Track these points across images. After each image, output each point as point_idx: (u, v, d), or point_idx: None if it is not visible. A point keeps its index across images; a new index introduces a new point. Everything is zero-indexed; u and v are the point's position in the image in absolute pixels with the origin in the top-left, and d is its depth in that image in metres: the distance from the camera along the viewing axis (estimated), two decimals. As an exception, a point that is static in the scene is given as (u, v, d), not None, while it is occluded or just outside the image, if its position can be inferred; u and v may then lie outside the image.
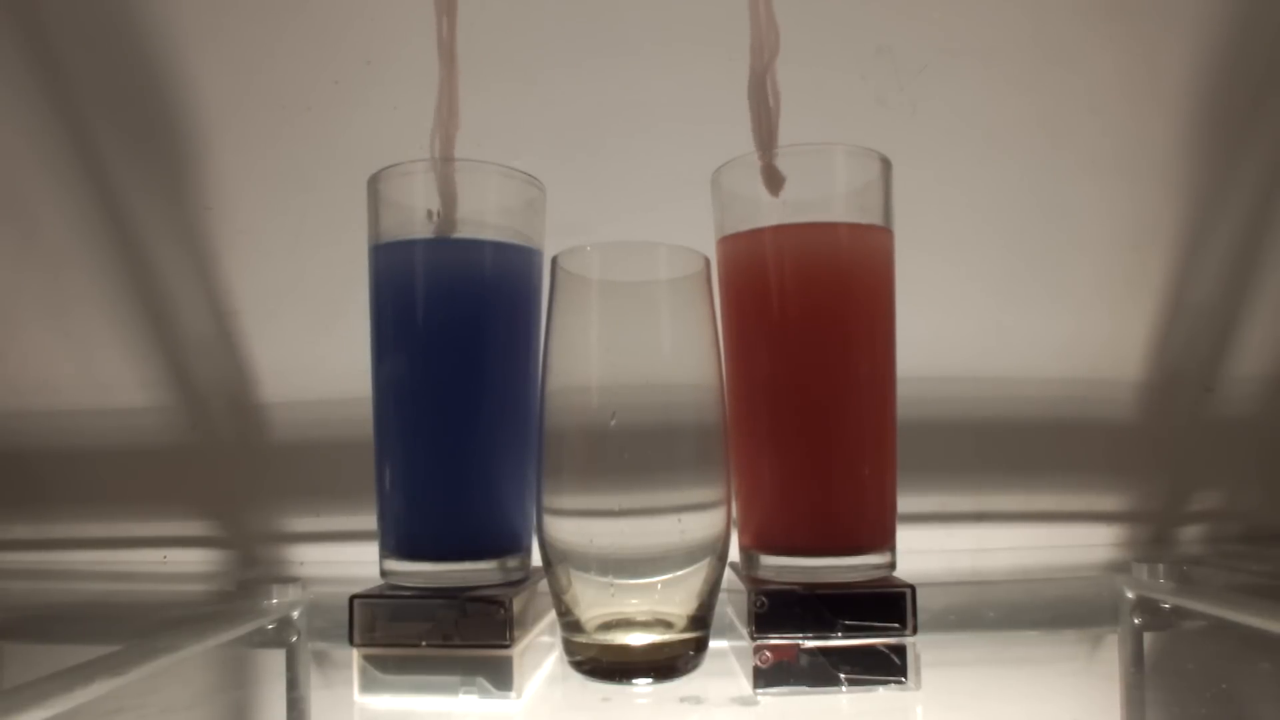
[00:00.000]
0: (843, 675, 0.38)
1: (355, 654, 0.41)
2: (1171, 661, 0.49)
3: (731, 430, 0.42)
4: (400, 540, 0.42)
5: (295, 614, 0.58)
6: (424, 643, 0.40)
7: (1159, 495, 0.73)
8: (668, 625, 0.40)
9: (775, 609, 0.39)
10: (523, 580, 0.43)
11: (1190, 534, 0.74)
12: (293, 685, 0.51)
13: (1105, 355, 0.73)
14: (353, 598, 0.41)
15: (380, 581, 0.43)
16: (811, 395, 0.41)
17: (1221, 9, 0.73)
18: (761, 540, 0.42)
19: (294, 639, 0.55)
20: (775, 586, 0.39)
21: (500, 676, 0.40)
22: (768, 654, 0.39)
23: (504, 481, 0.43)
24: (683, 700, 0.39)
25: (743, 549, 0.43)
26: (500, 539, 0.43)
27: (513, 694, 0.40)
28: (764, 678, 0.39)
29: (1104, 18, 0.73)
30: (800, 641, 0.39)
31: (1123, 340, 0.73)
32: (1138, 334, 0.73)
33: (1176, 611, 0.52)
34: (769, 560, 0.42)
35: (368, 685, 0.40)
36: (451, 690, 0.40)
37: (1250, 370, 0.74)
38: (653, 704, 0.39)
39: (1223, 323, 0.74)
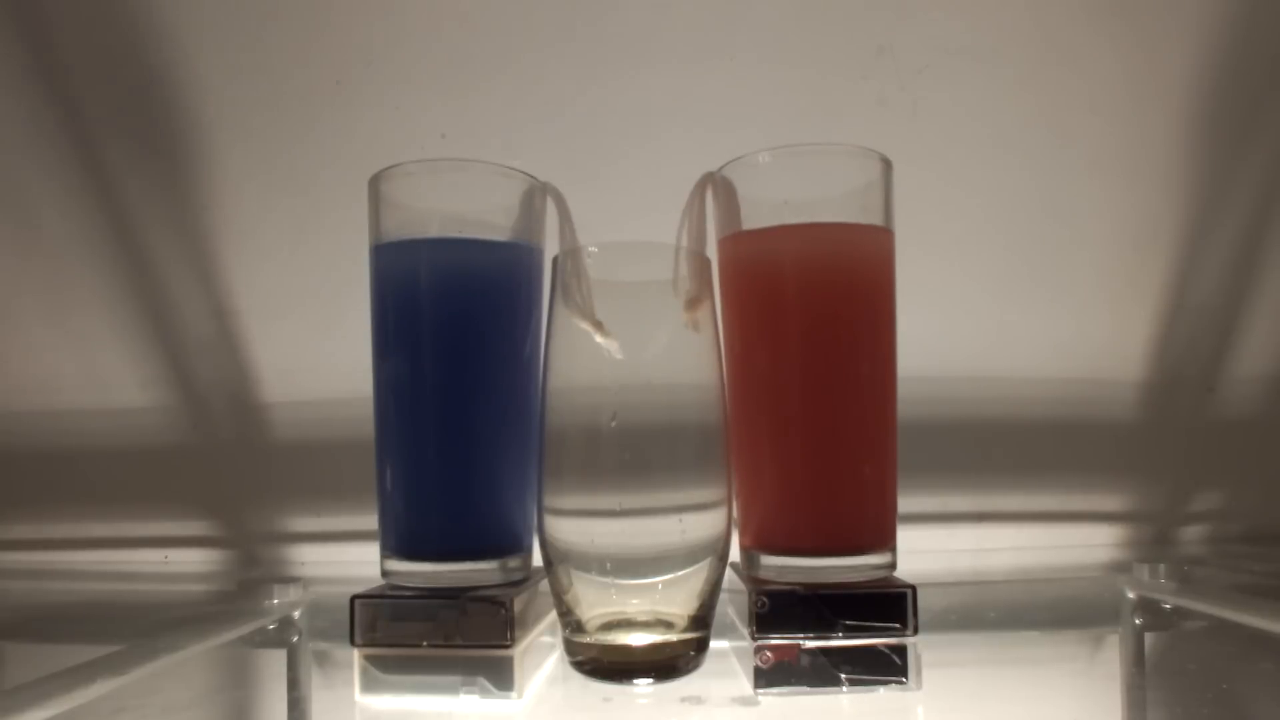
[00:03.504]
0: (843, 675, 0.38)
1: (356, 654, 0.40)
2: (1173, 661, 0.49)
3: (733, 430, 0.42)
4: (401, 540, 0.42)
5: (296, 614, 0.57)
6: (425, 643, 0.39)
7: (1160, 495, 0.73)
8: (668, 625, 0.40)
9: (776, 609, 0.38)
10: (524, 580, 0.43)
11: (1191, 534, 0.73)
12: (294, 685, 0.50)
13: (1106, 355, 0.72)
14: (353, 598, 0.40)
15: (381, 582, 0.43)
16: (812, 395, 0.41)
17: (1223, 9, 0.73)
18: (762, 540, 0.42)
19: (295, 639, 0.55)
20: (776, 587, 0.39)
21: (501, 676, 0.39)
22: (768, 654, 0.39)
23: (505, 481, 0.43)
24: (684, 700, 0.39)
25: (743, 549, 0.43)
26: (501, 539, 0.43)
27: (514, 694, 0.40)
28: (765, 678, 0.39)
29: (1106, 17, 0.73)
30: (801, 641, 0.38)
31: (1124, 340, 0.73)
32: (1139, 334, 0.73)
33: (1178, 612, 0.52)
34: (770, 560, 0.42)
35: (369, 685, 0.40)
36: (452, 690, 0.40)
37: (1252, 370, 0.73)
38: (653, 704, 0.39)
39: (1224, 323, 0.74)
